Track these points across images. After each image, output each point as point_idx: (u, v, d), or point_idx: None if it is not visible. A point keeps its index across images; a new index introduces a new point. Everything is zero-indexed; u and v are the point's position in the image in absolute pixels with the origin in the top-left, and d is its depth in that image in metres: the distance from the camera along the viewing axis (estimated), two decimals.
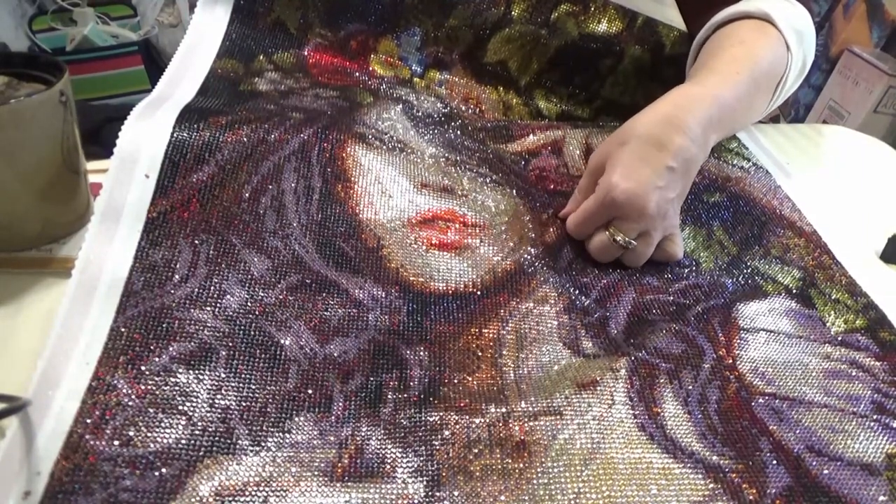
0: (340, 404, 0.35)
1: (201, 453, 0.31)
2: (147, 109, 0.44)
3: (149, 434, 0.32)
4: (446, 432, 0.34)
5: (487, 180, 0.50)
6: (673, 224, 0.47)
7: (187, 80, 0.51)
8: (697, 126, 0.46)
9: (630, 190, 0.43)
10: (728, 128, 0.53)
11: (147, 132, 0.43)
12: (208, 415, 0.33)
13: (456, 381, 0.37)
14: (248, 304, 0.38)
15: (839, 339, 0.43)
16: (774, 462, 0.35)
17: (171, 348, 0.35)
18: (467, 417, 0.35)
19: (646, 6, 0.60)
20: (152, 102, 0.46)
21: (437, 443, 0.34)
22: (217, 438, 0.32)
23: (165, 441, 0.31)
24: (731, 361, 0.40)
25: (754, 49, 0.53)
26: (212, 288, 0.38)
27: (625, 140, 0.46)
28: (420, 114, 0.54)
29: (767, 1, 0.56)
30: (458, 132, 0.54)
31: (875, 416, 0.38)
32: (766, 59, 0.53)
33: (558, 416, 0.35)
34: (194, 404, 0.33)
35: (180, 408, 0.33)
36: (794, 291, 0.47)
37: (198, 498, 0.30)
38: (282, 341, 0.37)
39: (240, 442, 0.32)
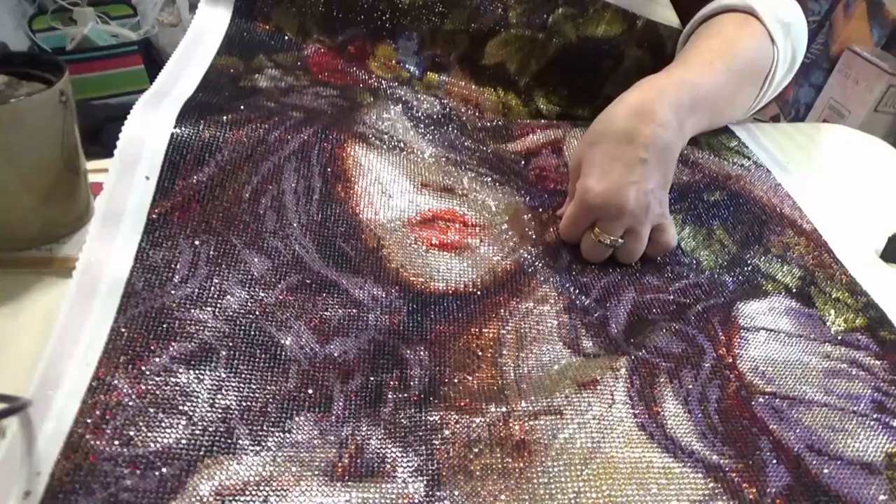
0: (340, 404, 0.35)
1: (202, 453, 0.31)
2: (147, 108, 0.44)
3: (149, 434, 0.32)
4: (446, 432, 0.34)
5: (487, 180, 0.50)
6: (660, 214, 0.46)
7: (187, 75, 0.51)
8: (667, 112, 0.45)
9: (605, 191, 0.43)
10: (707, 113, 0.51)
11: (147, 133, 0.43)
12: (209, 415, 0.33)
13: (456, 380, 0.37)
14: (249, 304, 0.38)
15: (839, 338, 0.43)
16: (774, 461, 0.35)
17: (171, 348, 0.35)
18: (467, 417, 0.35)
19: (641, 6, 0.60)
20: (152, 99, 0.46)
21: (437, 442, 0.34)
22: (217, 438, 0.32)
23: (166, 441, 0.31)
24: (731, 360, 0.40)
25: (733, 41, 0.53)
26: (212, 288, 0.38)
27: (594, 140, 0.45)
28: (420, 114, 0.54)
29: None
30: (458, 132, 0.54)
31: (875, 415, 0.38)
32: (746, 51, 0.52)
33: (558, 416, 0.35)
34: (195, 404, 0.33)
35: (181, 408, 0.33)
36: (795, 290, 0.47)
37: (198, 498, 0.30)
38: (282, 341, 0.37)
39: (240, 442, 0.32)
